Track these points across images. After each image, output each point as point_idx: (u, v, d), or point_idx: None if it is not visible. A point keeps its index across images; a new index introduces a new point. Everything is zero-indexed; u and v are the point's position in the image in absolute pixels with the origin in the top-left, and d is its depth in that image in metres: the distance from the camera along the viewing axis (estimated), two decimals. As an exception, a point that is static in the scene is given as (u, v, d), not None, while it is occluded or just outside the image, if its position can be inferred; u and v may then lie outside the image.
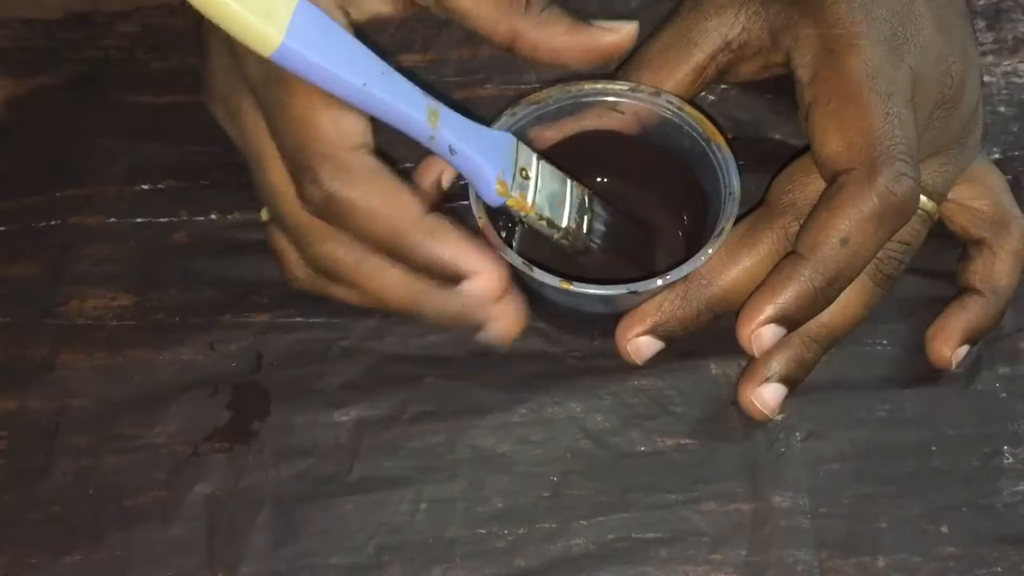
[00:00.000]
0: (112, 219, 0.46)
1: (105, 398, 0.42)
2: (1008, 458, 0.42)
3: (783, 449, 0.42)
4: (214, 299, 0.44)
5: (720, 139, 0.41)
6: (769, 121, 0.47)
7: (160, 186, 0.47)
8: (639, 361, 0.41)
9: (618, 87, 0.42)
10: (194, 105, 0.49)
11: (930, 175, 0.41)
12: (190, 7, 0.31)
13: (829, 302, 0.39)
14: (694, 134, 0.41)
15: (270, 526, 0.40)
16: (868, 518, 0.41)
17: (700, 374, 0.43)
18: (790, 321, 0.39)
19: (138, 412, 0.42)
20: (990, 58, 0.50)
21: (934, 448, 0.42)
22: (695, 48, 0.43)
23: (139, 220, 0.46)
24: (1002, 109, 0.49)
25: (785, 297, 0.38)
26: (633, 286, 0.38)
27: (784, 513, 0.41)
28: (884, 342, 0.43)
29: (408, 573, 0.40)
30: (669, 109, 0.41)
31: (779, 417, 0.42)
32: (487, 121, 0.41)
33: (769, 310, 0.38)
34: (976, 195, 0.43)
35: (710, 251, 0.39)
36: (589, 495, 0.41)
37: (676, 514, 0.41)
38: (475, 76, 0.49)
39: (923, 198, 0.41)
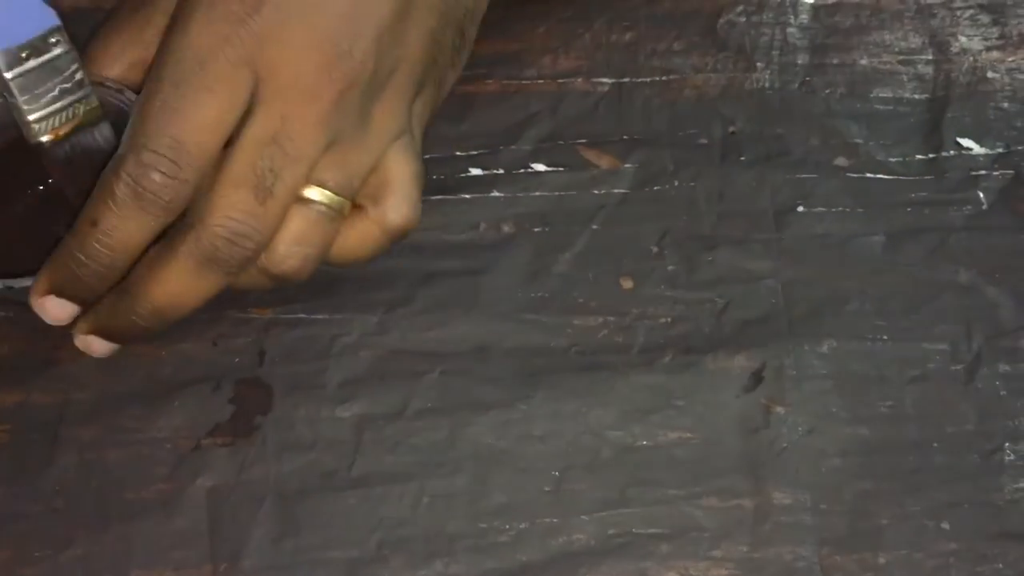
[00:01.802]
0: (115, 214, 0.46)
1: (108, 392, 0.42)
2: (1009, 455, 0.41)
3: (784, 445, 0.42)
4: (217, 294, 0.44)
5: None
6: (769, 120, 0.47)
7: (163, 181, 0.47)
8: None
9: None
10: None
11: (327, 168, 0.37)
12: None
13: (98, 278, 0.37)
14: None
15: (272, 520, 0.40)
16: (869, 514, 0.41)
17: (702, 368, 0.43)
18: (61, 292, 0.38)
19: (141, 406, 0.42)
20: (995, 54, 0.50)
21: (935, 445, 0.42)
22: (153, 10, 0.40)
23: (142, 215, 0.46)
24: (1006, 105, 0.49)
25: (51, 265, 0.37)
26: (10, 281, 0.38)
27: (785, 509, 0.41)
28: (885, 337, 0.43)
29: (409, 567, 0.40)
30: (123, 100, 0.39)
31: (782, 411, 0.42)
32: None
33: (43, 279, 0.38)
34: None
35: None
36: (590, 490, 0.41)
37: (677, 509, 0.41)
38: (477, 70, 0.49)
39: (325, 193, 0.37)
